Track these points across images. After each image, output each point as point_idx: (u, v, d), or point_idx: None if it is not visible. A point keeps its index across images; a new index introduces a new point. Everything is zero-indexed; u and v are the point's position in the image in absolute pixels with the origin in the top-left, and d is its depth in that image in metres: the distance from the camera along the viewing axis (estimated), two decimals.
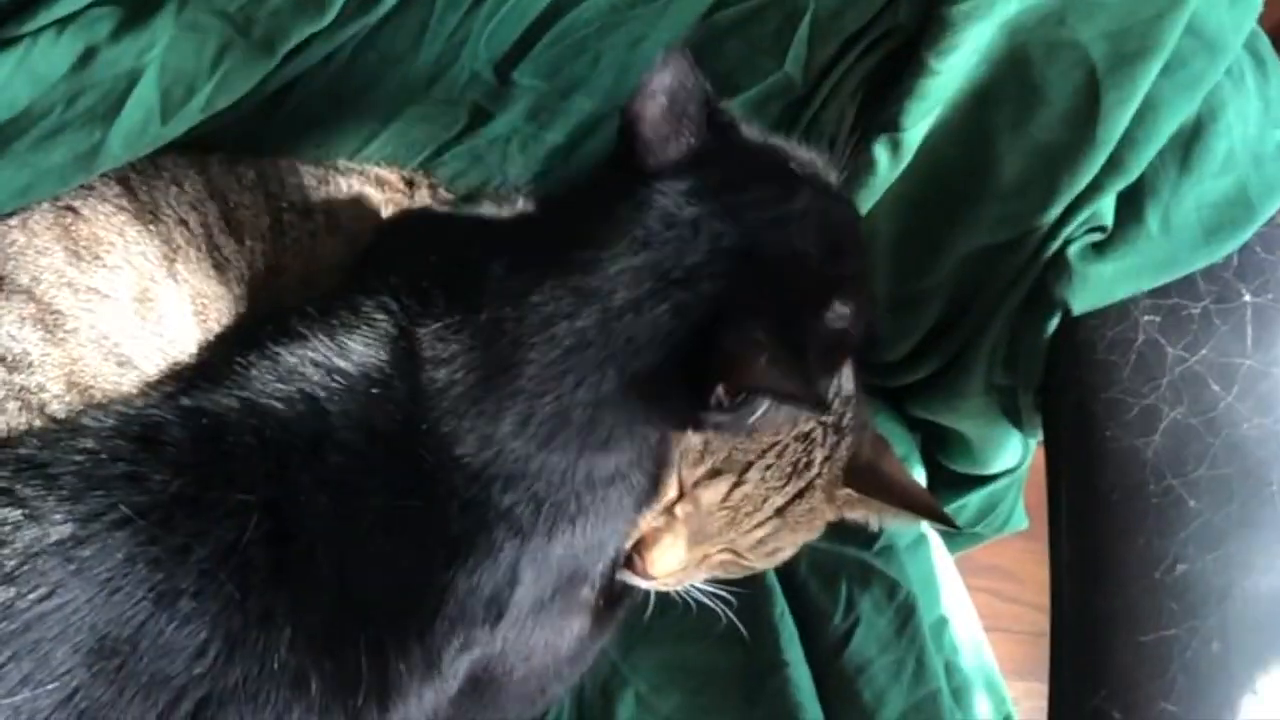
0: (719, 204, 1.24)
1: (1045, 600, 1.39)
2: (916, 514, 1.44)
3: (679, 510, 1.40)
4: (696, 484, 1.39)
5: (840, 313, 1.26)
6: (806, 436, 1.44)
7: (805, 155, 1.33)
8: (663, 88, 1.23)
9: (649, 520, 1.41)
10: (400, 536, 1.25)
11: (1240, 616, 1.27)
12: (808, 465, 1.41)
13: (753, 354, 1.18)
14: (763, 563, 1.49)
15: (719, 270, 1.23)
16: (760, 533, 1.43)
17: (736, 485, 1.39)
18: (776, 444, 1.42)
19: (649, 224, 1.22)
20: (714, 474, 1.39)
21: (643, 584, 1.47)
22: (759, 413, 1.25)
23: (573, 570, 1.32)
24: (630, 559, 1.43)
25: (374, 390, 1.24)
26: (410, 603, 1.25)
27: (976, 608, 1.66)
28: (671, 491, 1.42)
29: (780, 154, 1.32)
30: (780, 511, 1.41)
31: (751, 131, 1.33)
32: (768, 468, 1.40)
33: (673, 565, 1.43)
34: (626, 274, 1.21)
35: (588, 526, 1.30)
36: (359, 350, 1.26)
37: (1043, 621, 1.38)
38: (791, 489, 1.41)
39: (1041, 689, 1.36)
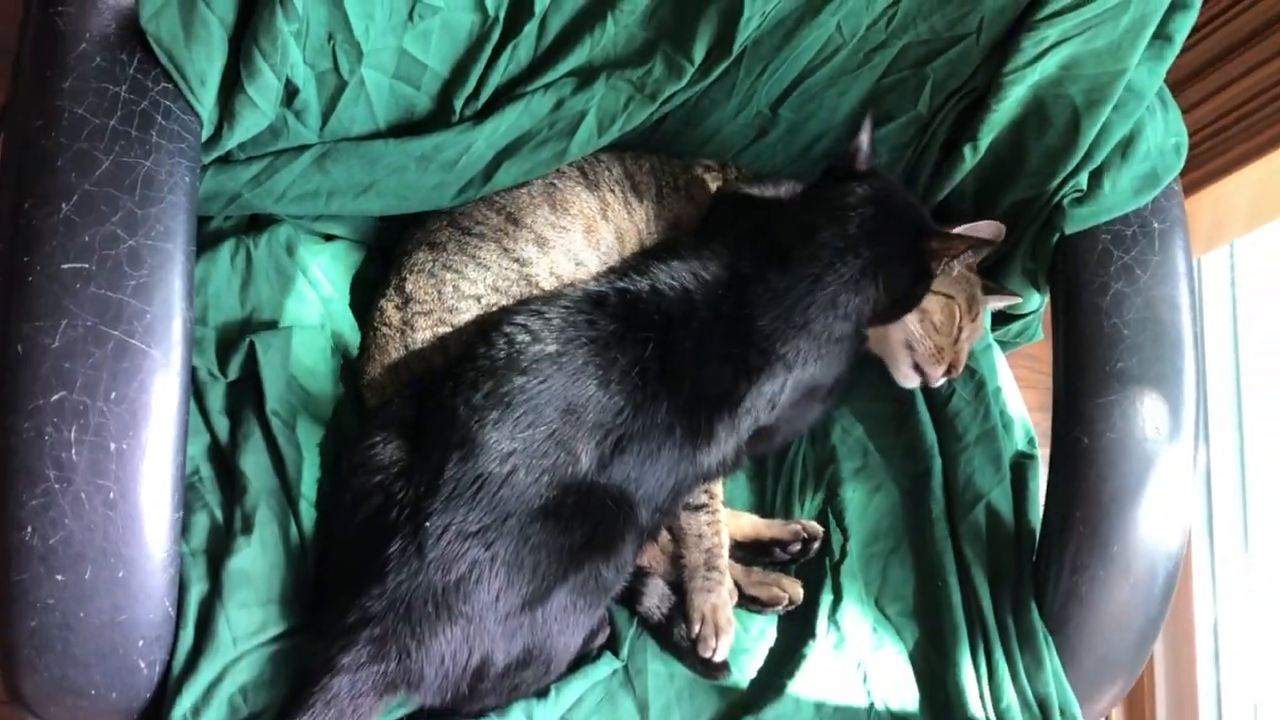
0: (893, 184, 1.84)
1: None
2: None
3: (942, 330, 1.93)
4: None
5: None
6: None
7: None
8: (869, 135, 1.82)
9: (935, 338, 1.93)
10: (724, 364, 1.77)
11: (1141, 388, 1.83)
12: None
13: (957, 235, 1.79)
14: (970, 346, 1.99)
15: (911, 209, 1.83)
16: (966, 334, 1.95)
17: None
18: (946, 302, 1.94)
19: (878, 195, 1.79)
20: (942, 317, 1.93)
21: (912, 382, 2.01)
22: (958, 265, 1.85)
23: (814, 384, 1.84)
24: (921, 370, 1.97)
25: (719, 291, 1.79)
26: (726, 397, 1.77)
27: (1019, 375, 2.11)
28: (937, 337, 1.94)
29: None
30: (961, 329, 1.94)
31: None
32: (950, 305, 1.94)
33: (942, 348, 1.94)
34: (876, 220, 1.78)
35: (823, 364, 1.82)
36: (713, 270, 1.81)
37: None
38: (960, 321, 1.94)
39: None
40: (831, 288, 1.77)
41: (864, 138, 1.81)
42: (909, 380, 1.98)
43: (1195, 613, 2.66)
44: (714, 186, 2.02)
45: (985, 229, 1.88)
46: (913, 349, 1.93)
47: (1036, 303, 2.10)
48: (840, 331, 1.80)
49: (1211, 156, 2.56)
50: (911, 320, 1.91)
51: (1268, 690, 2.64)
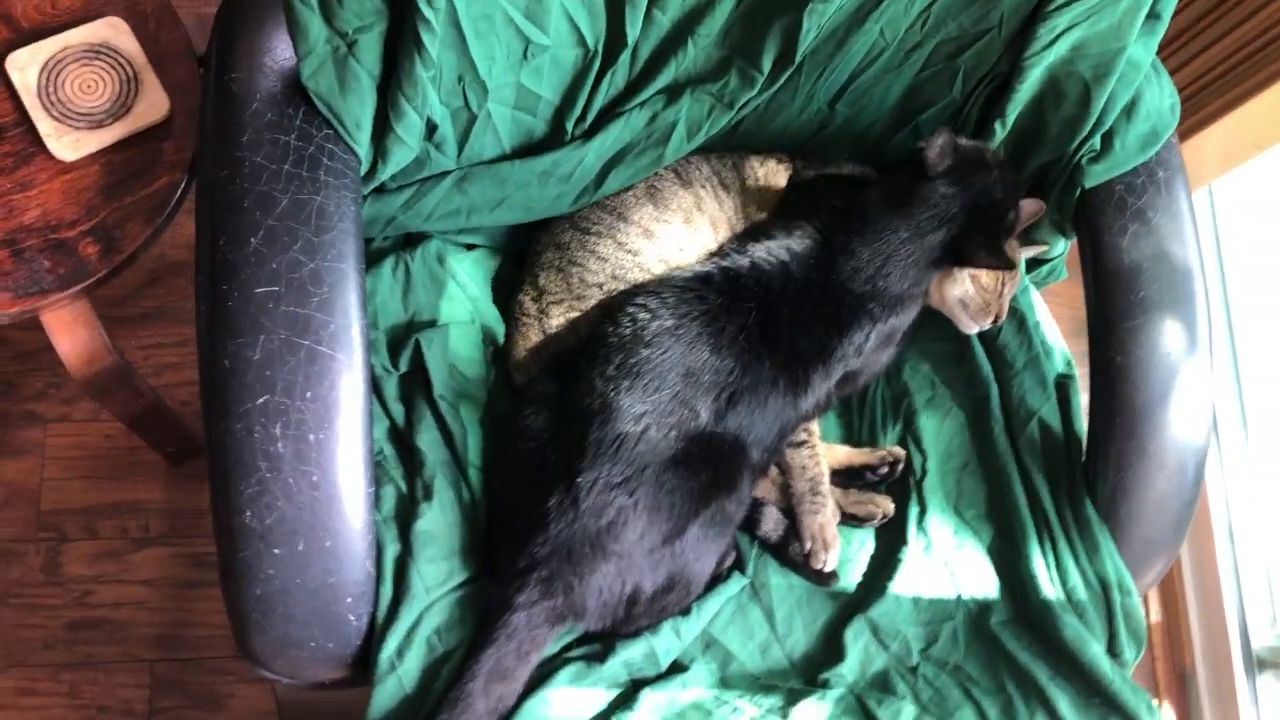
0: (964, 184, 1.75)
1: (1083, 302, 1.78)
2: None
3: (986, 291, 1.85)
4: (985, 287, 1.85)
5: (1012, 217, 1.80)
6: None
7: (982, 144, 1.82)
8: (941, 142, 1.73)
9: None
10: (817, 323, 1.72)
11: (1161, 311, 1.74)
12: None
13: (988, 244, 1.75)
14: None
15: (966, 209, 1.76)
16: (1007, 289, 1.87)
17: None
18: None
19: (938, 195, 1.74)
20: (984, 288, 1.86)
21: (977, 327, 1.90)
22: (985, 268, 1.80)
23: (891, 333, 1.80)
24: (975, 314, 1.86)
25: (811, 260, 1.74)
26: (820, 351, 1.73)
27: (1053, 308, 2.01)
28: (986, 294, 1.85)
29: (978, 149, 1.80)
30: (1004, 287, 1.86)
31: (966, 142, 1.78)
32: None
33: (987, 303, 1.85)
34: (932, 220, 1.75)
35: (900, 316, 1.79)
36: (805, 245, 1.75)
37: (1083, 312, 1.80)
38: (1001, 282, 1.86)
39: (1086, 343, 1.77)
40: (904, 264, 1.75)
41: (931, 152, 1.75)
42: (968, 329, 1.91)
43: (1210, 498, 2.62)
44: (786, 175, 1.94)
45: (1029, 206, 1.83)
46: (966, 305, 1.86)
47: (1062, 247, 2.04)
48: (913, 292, 1.79)
49: (1189, 114, 2.48)
50: (964, 282, 1.86)
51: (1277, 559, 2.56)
